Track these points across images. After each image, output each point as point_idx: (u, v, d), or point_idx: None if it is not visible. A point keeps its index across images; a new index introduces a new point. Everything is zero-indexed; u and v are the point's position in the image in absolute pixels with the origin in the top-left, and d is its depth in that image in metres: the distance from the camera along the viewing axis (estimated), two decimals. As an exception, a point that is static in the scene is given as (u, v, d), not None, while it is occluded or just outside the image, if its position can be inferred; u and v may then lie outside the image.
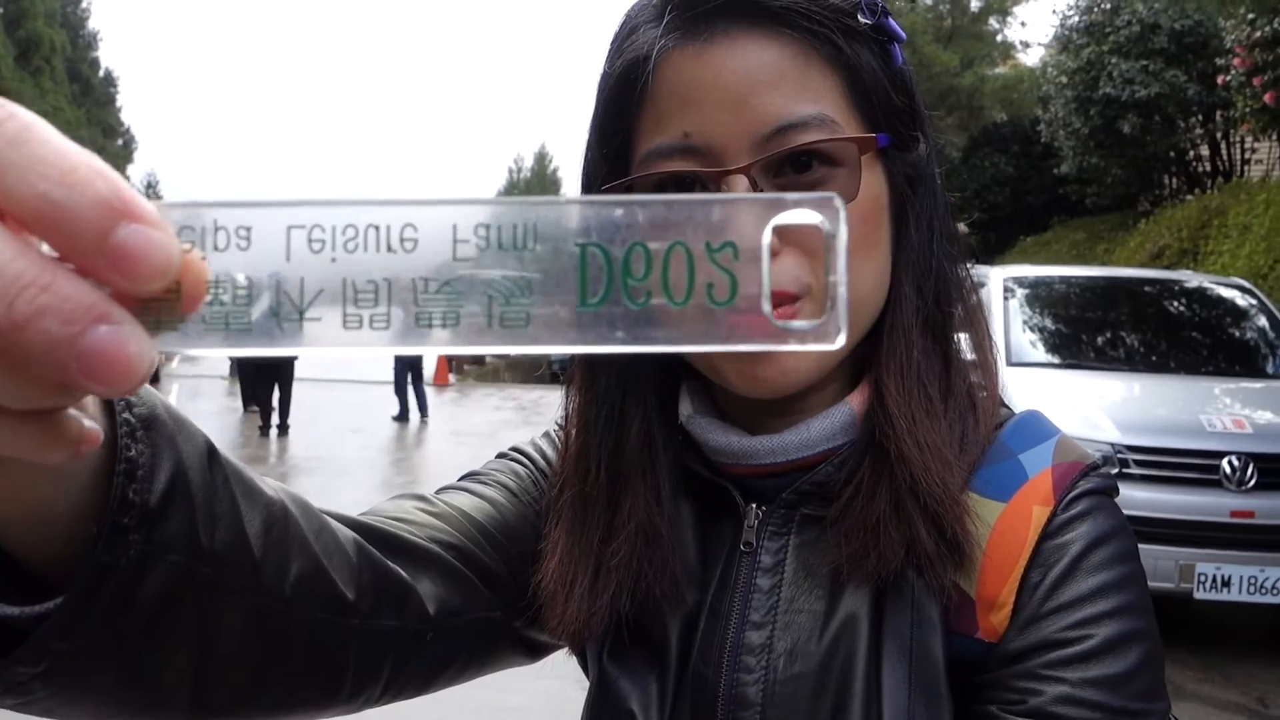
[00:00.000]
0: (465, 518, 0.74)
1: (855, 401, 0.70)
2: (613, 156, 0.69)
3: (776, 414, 0.71)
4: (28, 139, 0.26)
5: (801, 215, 0.31)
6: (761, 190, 0.62)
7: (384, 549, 0.65)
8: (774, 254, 0.58)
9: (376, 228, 0.29)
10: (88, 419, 0.31)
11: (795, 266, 0.62)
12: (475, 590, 0.71)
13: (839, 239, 0.31)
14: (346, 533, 0.62)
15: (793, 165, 0.63)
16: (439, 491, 0.79)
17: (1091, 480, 0.68)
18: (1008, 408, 0.74)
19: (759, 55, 0.63)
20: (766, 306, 0.31)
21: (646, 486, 0.72)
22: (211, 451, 0.50)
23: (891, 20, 0.67)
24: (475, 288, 0.29)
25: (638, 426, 0.73)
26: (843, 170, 0.63)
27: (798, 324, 0.31)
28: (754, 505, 0.71)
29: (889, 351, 0.69)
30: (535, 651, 0.80)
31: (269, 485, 0.56)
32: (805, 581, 0.68)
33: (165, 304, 0.28)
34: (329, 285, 0.29)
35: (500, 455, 0.85)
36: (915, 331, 0.69)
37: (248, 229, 0.29)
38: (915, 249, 0.70)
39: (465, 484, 0.80)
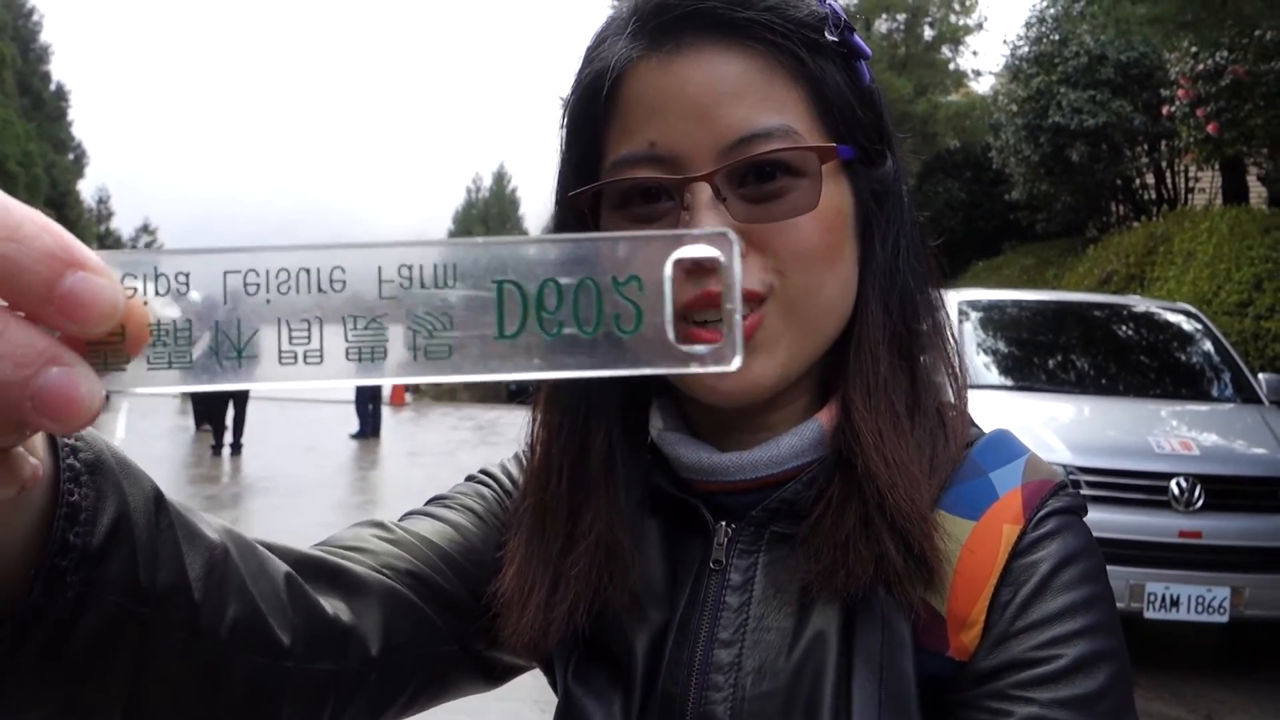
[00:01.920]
0: (425, 544, 0.74)
1: (824, 418, 0.70)
2: (582, 164, 0.70)
3: (746, 430, 0.71)
4: None
5: (699, 250, 0.33)
6: (724, 198, 0.63)
7: (330, 584, 0.66)
8: (742, 255, 0.59)
9: (307, 270, 0.31)
10: (33, 458, 0.33)
11: (758, 268, 0.64)
12: (426, 622, 0.71)
13: (734, 272, 0.33)
14: (282, 574, 0.62)
15: (756, 175, 0.64)
16: (403, 517, 0.78)
17: (1061, 499, 0.68)
18: (977, 427, 0.74)
19: (724, 67, 0.64)
20: (670, 333, 0.33)
21: (608, 499, 0.72)
22: (158, 495, 0.50)
23: (857, 37, 0.68)
24: (400, 323, 0.31)
25: (601, 439, 0.73)
26: (805, 180, 0.64)
27: (699, 348, 0.34)
28: (724, 523, 0.71)
29: (856, 368, 0.69)
30: (495, 676, 0.79)
31: (212, 526, 0.56)
32: (774, 599, 0.68)
33: (111, 346, 0.29)
34: (264, 325, 0.31)
35: (469, 478, 0.85)
36: (882, 348, 0.69)
37: (186, 275, 0.30)
38: (882, 265, 0.70)
39: (429, 508, 0.80)
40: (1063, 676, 0.61)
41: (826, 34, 0.65)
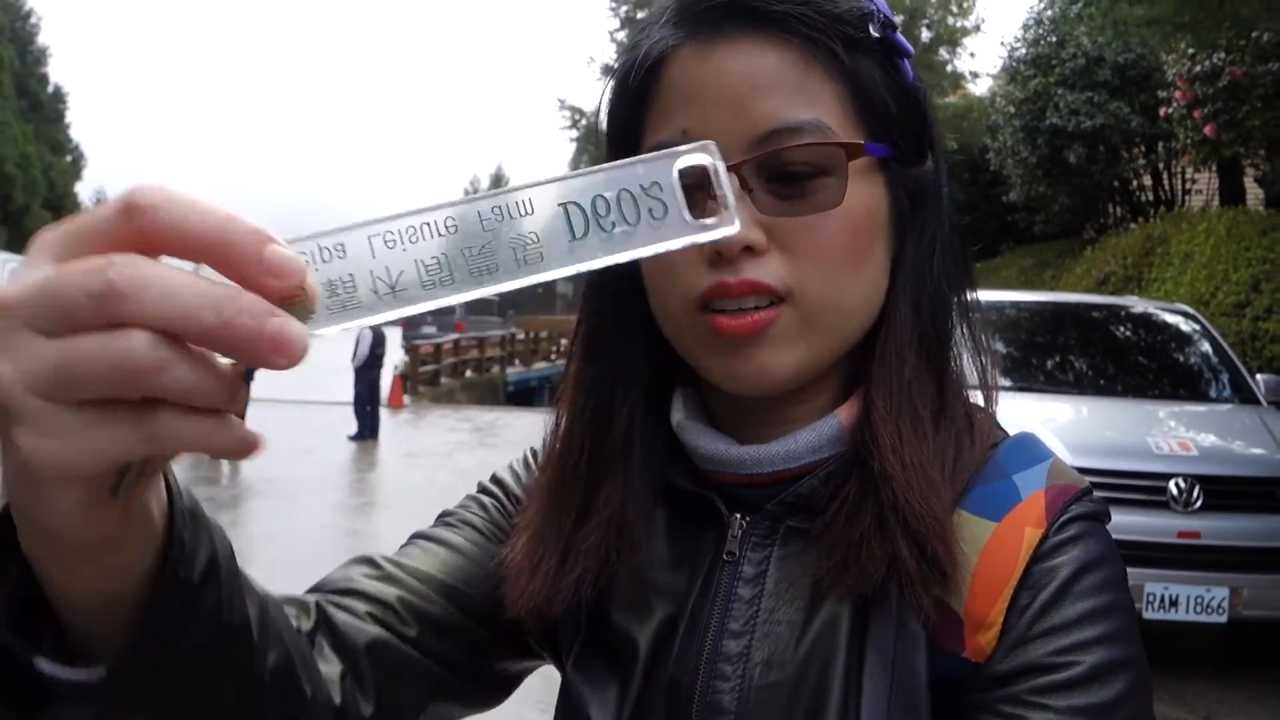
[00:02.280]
0: (417, 575, 0.75)
1: (844, 414, 0.70)
2: (621, 147, 0.70)
3: (767, 423, 0.71)
4: (183, 197, 0.37)
5: (694, 158, 0.45)
6: (751, 189, 0.64)
7: (325, 642, 0.69)
8: (761, 251, 0.64)
9: (428, 224, 0.42)
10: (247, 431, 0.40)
11: (780, 266, 0.64)
12: (417, 665, 0.73)
13: (721, 171, 0.45)
14: (303, 629, 0.67)
15: (783, 169, 0.64)
16: (405, 543, 0.80)
17: (1084, 505, 0.68)
18: (1002, 429, 0.74)
19: (760, 58, 0.64)
20: (686, 215, 0.44)
21: (625, 479, 0.73)
22: (229, 542, 0.55)
23: (900, 35, 0.67)
24: (502, 245, 0.42)
25: (623, 421, 0.74)
26: (832, 178, 0.64)
27: (709, 220, 0.44)
28: (738, 515, 0.71)
29: (880, 369, 0.69)
30: (497, 689, 0.81)
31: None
32: (786, 593, 0.68)
33: (298, 302, 0.38)
34: (406, 266, 0.41)
35: (478, 487, 0.86)
36: (909, 350, 0.69)
37: (341, 244, 0.41)
38: (914, 267, 0.70)
39: (430, 531, 0.81)
40: (1079, 684, 0.61)
41: (870, 30, 0.65)
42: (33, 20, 38.45)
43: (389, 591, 0.74)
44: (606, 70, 0.74)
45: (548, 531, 0.74)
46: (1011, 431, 0.74)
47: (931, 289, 0.70)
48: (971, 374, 0.74)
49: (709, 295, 0.65)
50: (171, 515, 0.49)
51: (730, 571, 0.70)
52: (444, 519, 0.82)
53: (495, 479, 0.85)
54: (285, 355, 0.36)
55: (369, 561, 0.77)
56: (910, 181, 0.69)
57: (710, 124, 0.64)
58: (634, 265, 0.67)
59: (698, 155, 0.45)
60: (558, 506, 0.74)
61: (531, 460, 0.85)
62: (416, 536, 0.80)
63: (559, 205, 0.42)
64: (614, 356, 0.75)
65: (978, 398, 0.75)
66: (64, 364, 0.35)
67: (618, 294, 0.73)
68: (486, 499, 0.83)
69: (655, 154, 0.45)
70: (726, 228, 0.44)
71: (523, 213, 0.42)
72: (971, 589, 0.64)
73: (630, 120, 0.70)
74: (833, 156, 0.63)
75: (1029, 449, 0.71)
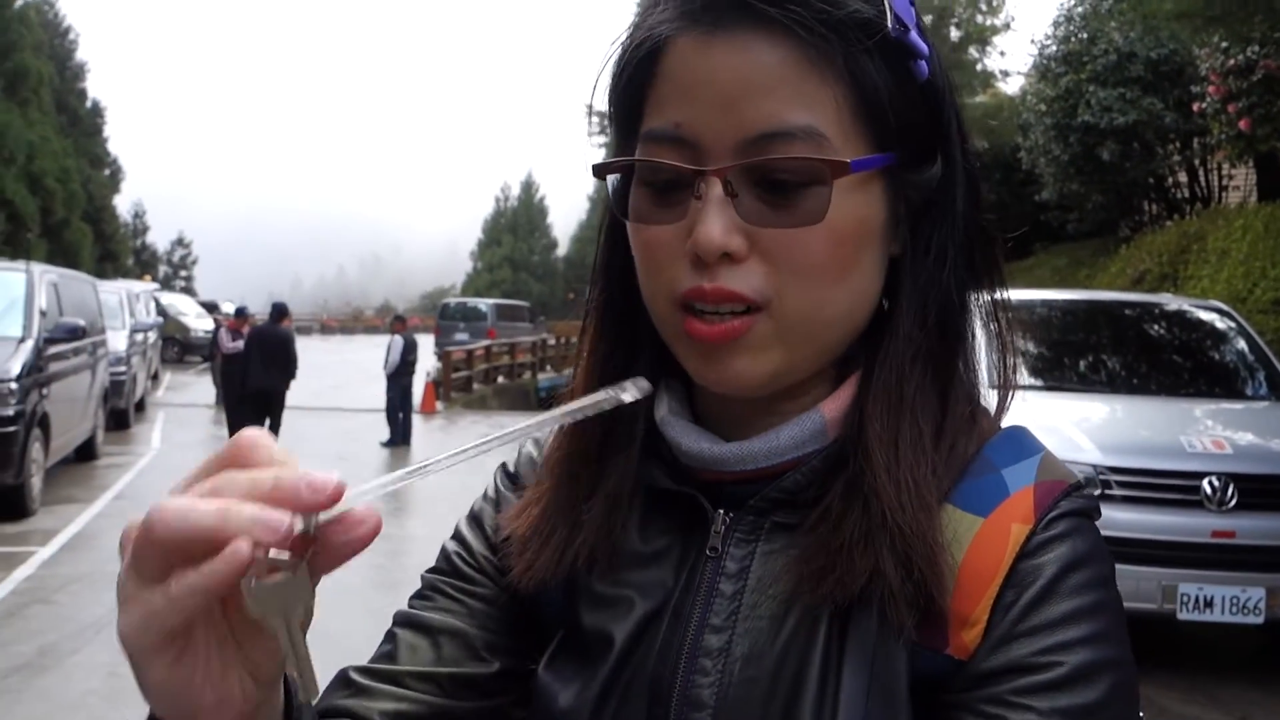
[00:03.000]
0: (397, 678, 0.76)
1: (828, 409, 0.69)
2: (622, 127, 0.70)
3: (755, 417, 0.71)
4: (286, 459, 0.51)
5: (627, 396, 0.57)
6: (736, 194, 0.62)
7: None
8: (742, 259, 0.62)
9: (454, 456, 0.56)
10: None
11: (757, 276, 0.63)
12: None
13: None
14: None
15: (769, 176, 0.62)
16: (384, 639, 0.80)
17: (1074, 501, 0.66)
18: (996, 422, 0.73)
19: (759, 56, 0.61)
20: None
21: (626, 459, 0.73)
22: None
23: (915, 35, 0.64)
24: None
25: (630, 428, 0.74)
26: (817, 190, 0.62)
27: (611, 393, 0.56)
28: (721, 511, 0.71)
29: (879, 383, 0.67)
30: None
31: None
32: (770, 588, 0.67)
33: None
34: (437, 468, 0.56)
35: (451, 538, 0.85)
36: (909, 364, 0.67)
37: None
38: (919, 275, 0.68)
39: (406, 627, 0.79)
40: (1063, 684, 0.60)
41: (887, 29, 0.62)
42: (71, 37, 39.21)
43: (375, 708, 0.75)
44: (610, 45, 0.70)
45: (562, 502, 0.74)
46: (1040, 433, 0.73)
47: (940, 298, 0.68)
48: (992, 374, 0.73)
49: (688, 296, 0.64)
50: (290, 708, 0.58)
51: (713, 567, 0.70)
52: (422, 597, 0.81)
53: (472, 520, 0.84)
54: (273, 527, 0.46)
55: (346, 682, 0.77)
56: (914, 187, 0.67)
57: (702, 120, 0.63)
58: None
59: (629, 394, 0.56)
60: (573, 478, 0.74)
61: (504, 478, 0.85)
62: (397, 627, 0.80)
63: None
64: (625, 331, 0.75)
65: (992, 398, 0.73)
66: (133, 552, 0.48)
67: (625, 271, 0.72)
68: (459, 563, 0.82)
69: (596, 401, 0.55)
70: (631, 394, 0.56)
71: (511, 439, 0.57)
72: (957, 585, 0.63)
73: (630, 100, 0.68)
74: (818, 171, 0.62)
75: (1019, 442, 0.69)
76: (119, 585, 0.48)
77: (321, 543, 0.48)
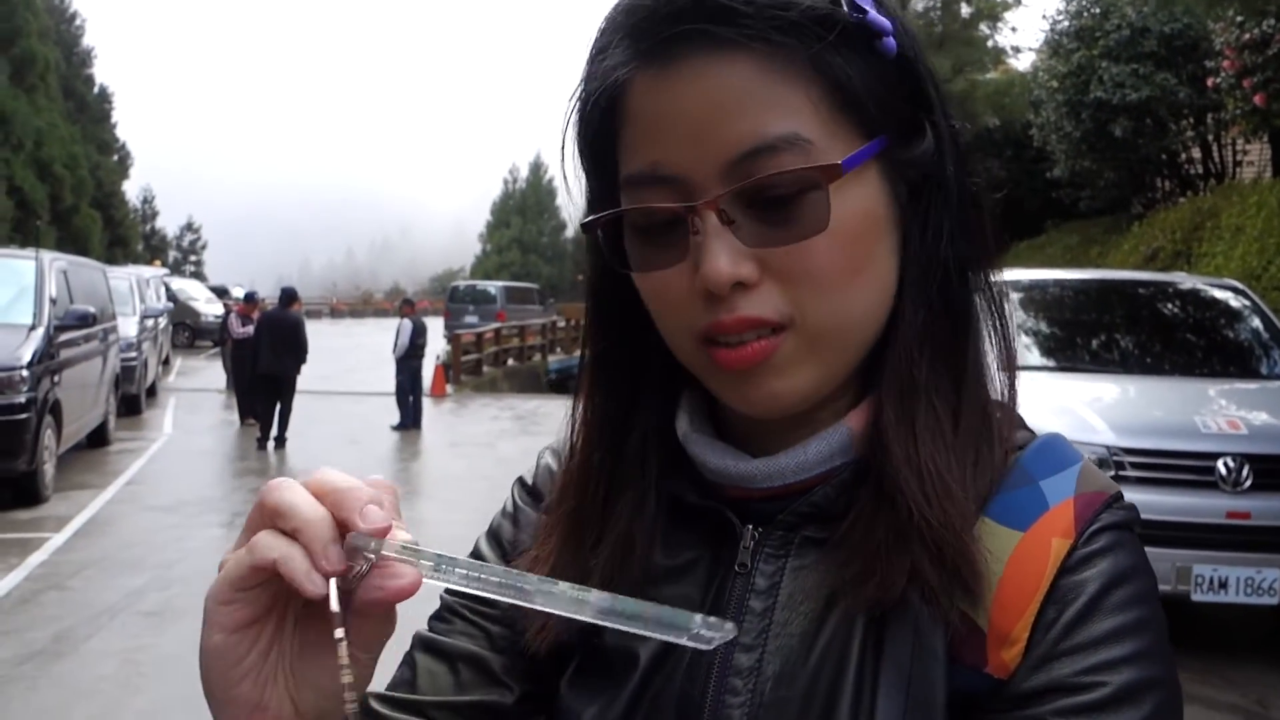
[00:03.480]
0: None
1: (854, 421, 0.67)
2: (598, 175, 0.68)
3: (780, 432, 0.68)
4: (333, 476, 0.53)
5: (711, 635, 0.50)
6: (733, 220, 0.60)
7: None
8: (754, 284, 0.61)
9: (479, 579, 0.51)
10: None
11: (775, 296, 0.61)
12: None
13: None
14: None
15: (763, 194, 0.60)
16: (400, 667, 0.79)
17: (1115, 513, 0.64)
18: (1028, 429, 0.71)
19: (721, 79, 0.59)
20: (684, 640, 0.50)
21: (636, 496, 0.72)
22: None
23: (875, 13, 0.61)
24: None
25: (636, 439, 0.72)
26: (815, 196, 0.60)
27: (702, 633, 0.50)
28: (750, 527, 0.69)
29: (890, 373, 0.65)
30: None
31: None
32: (801, 605, 0.66)
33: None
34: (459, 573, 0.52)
35: (486, 536, 0.84)
36: (918, 349, 0.65)
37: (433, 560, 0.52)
38: (921, 256, 0.66)
39: (430, 645, 0.79)
40: (1106, 706, 0.58)
41: (834, 21, 0.59)
42: (77, 22, 39.16)
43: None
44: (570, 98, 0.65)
45: (568, 559, 0.72)
46: (1053, 414, 0.71)
47: (941, 277, 0.66)
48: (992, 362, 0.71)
49: (709, 330, 0.62)
50: None
51: (742, 584, 0.68)
52: (440, 621, 0.80)
53: (496, 530, 0.83)
54: (330, 560, 0.50)
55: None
56: (911, 167, 0.65)
57: (679, 155, 0.60)
58: (637, 294, 0.67)
59: (716, 634, 0.49)
60: (577, 535, 0.73)
61: (523, 492, 0.84)
62: (415, 652, 0.79)
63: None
64: (626, 383, 0.73)
65: (996, 385, 0.71)
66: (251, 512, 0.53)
67: (625, 321, 0.70)
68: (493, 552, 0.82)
69: (669, 633, 0.50)
70: (720, 633, 0.49)
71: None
72: (996, 602, 0.61)
73: (602, 151, 0.66)
74: (811, 178, 0.59)
75: (1057, 452, 0.67)
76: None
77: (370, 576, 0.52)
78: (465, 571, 0.51)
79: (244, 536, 0.53)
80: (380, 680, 0.78)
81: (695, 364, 0.66)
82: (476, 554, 0.82)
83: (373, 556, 0.51)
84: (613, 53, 0.63)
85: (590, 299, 0.73)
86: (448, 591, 0.81)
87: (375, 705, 0.75)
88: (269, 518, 0.51)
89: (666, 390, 0.73)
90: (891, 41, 0.62)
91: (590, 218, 0.66)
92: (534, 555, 0.75)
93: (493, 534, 0.83)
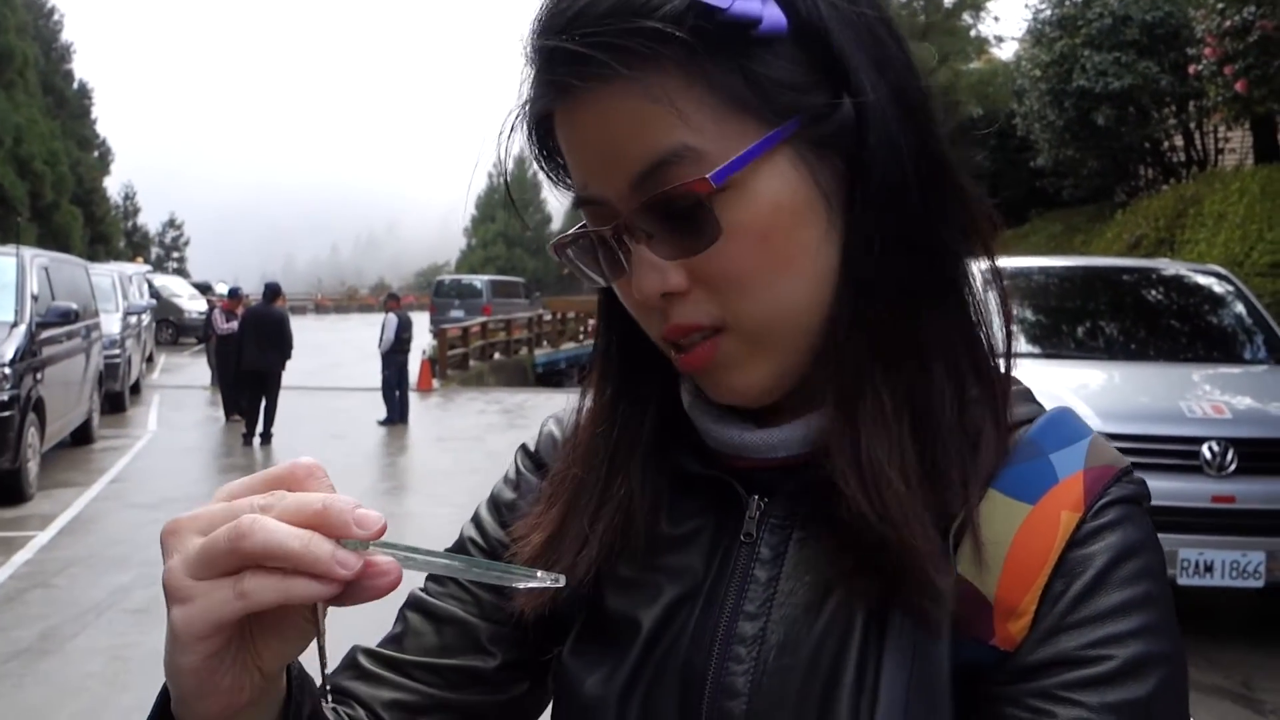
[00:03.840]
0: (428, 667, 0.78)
1: None
2: (559, 185, 0.70)
3: (784, 401, 0.68)
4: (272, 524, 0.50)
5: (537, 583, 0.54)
6: (651, 235, 0.62)
7: None
8: (685, 291, 0.62)
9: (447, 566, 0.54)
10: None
11: (705, 301, 0.63)
12: None
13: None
14: None
15: (665, 208, 0.61)
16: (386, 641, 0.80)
17: (1124, 487, 0.64)
18: (1037, 403, 0.70)
19: (610, 107, 0.60)
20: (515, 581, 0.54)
21: (635, 470, 0.72)
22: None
23: (738, 6, 0.58)
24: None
25: (641, 415, 0.74)
26: (702, 207, 0.60)
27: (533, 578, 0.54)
28: (756, 496, 0.69)
29: (826, 363, 0.64)
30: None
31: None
32: (806, 574, 0.66)
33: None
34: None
35: (479, 515, 0.84)
36: (855, 335, 0.63)
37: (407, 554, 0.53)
38: (857, 245, 0.63)
39: (421, 605, 0.80)
40: (1113, 679, 0.58)
41: (693, 22, 0.58)
42: (56, 18, 38.84)
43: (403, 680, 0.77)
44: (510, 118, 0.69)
45: (568, 528, 0.73)
46: (1042, 398, 0.70)
47: (889, 266, 0.63)
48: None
49: (668, 337, 0.66)
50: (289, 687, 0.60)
51: (747, 553, 0.68)
52: (423, 600, 0.81)
53: (484, 515, 0.84)
54: (348, 568, 0.50)
55: (356, 663, 0.78)
56: (830, 143, 0.62)
57: (595, 179, 0.63)
58: None
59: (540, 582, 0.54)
60: (579, 503, 0.73)
61: (526, 459, 0.84)
62: (405, 622, 0.80)
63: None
64: (634, 370, 0.74)
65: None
66: (204, 550, 0.51)
67: (627, 314, 0.70)
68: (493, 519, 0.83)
69: (502, 577, 0.54)
70: (545, 583, 0.54)
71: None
72: (1003, 574, 0.61)
73: (556, 166, 0.69)
74: (691, 192, 0.59)
75: (1067, 425, 0.67)
76: (172, 577, 0.51)
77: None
78: (428, 559, 0.53)
79: (204, 568, 0.51)
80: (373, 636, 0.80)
81: (672, 364, 0.68)
82: (476, 519, 0.83)
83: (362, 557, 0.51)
84: (533, 86, 0.65)
85: (599, 295, 0.75)
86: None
87: (362, 660, 0.78)
88: (253, 560, 0.50)
89: (670, 364, 0.72)
90: (774, 23, 0.59)
91: (551, 242, 0.69)
92: (533, 521, 0.75)
93: (493, 500, 0.84)
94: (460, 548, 0.82)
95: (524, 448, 0.86)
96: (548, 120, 0.66)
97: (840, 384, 0.64)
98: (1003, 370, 0.68)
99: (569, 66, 0.60)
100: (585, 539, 0.71)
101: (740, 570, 0.68)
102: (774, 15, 0.59)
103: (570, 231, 0.67)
